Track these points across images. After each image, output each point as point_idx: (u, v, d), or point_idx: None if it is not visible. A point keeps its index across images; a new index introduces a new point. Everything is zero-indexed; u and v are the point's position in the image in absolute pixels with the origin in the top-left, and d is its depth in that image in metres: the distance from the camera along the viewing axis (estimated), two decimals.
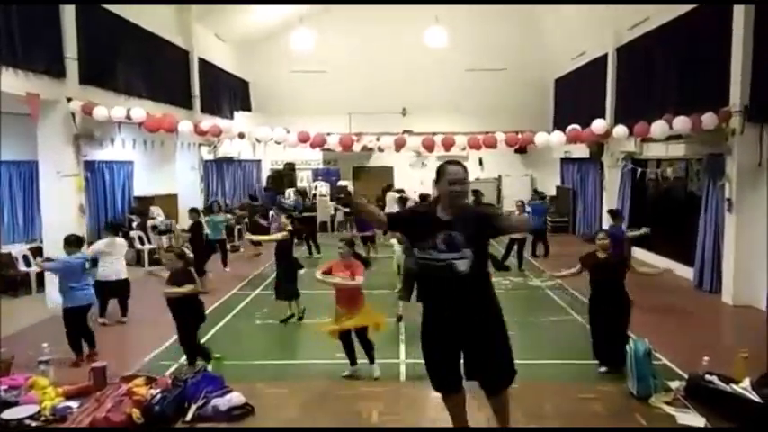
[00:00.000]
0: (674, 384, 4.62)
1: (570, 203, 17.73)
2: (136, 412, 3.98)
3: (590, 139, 12.15)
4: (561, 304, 9.43)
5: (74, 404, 4.24)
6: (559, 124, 13.97)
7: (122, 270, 8.45)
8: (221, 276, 11.14)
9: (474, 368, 3.56)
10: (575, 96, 16.50)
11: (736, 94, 8.91)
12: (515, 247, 12.24)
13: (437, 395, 4.72)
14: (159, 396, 4.14)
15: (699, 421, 4.05)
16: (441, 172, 3.54)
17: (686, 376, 4.74)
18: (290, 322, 8.44)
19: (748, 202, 8.98)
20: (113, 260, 8.29)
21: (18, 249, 10.62)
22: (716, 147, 9.58)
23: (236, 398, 4.23)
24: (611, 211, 10.60)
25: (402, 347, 7.27)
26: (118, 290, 8.41)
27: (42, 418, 4.08)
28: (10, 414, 4.07)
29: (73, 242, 6.79)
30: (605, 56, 14.07)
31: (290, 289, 8.52)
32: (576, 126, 11.80)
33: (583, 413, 4.26)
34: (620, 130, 10.95)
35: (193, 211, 11.20)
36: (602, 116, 13.09)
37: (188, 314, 6.07)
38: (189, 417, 4.09)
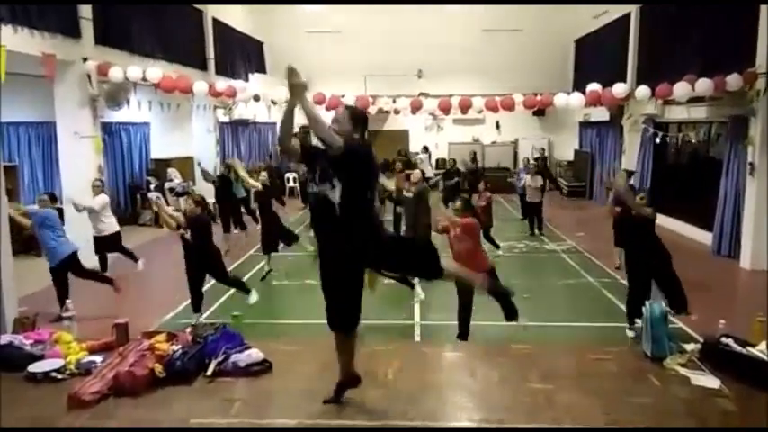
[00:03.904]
0: (689, 347, 4.62)
1: (588, 168, 17.54)
2: (158, 367, 4.08)
3: (610, 102, 11.92)
4: (576, 267, 9.42)
5: (97, 358, 4.36)
6: (579, 86, 13.69)
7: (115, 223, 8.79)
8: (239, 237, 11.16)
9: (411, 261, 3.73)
10: (595, 57, 16.13)
11: (763, 54, 8.66)
12: (533, 211, 12.16)
13: (453, 354, 4.81)
14: (180, 352, 4.24)
15: (714, 383, 4.06)
16: None
17: (702, 339, 4.73)
18: (302, 282, 8.55)
19: None
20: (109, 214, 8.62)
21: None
22: (739, 109, 9.37)
23: (255, 354, 4.31)
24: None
25: (417, 308, 7.35)
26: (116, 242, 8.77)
27: (67, 372, 4.21)
28: (36, 367, 4.20)
29: (47, 200, 7.41)
30: (628, 15, 13.68)
31: (266, 242, 8.73)
32: (597, 87, 11.57)
33: (597, 373, 4.29)
34: (643, 90, 10.70)
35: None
36: (624, 78, 12.83)
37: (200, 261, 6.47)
38: (209, 372, 4.19)
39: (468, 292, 5.65)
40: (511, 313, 5.73)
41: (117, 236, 8.72)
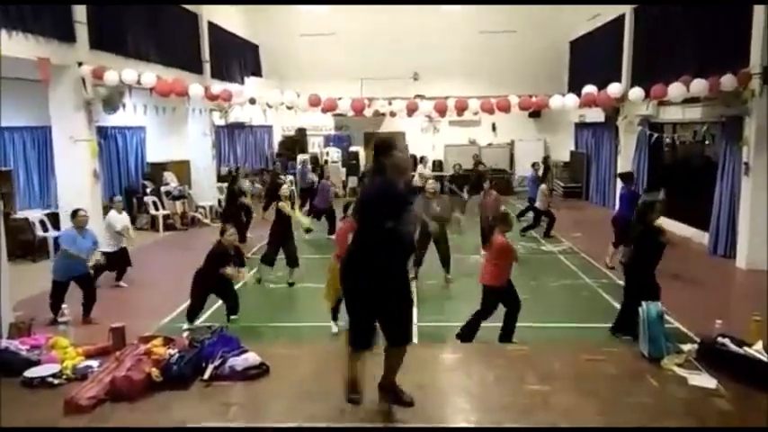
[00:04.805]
0: (686, 347, 4.63)
1: (584, 169, 17.58)
2: (155, 371, 4.06)
3: (605, 103, 11.96)
4: (573, 268, 9.44)
5: (94, 363, 4.33)
6: (574, 87, 13.73)
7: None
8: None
9: (393, 325, 3.73)
10: (590, 59, 16.18)
11: (756, 54, 8.71)
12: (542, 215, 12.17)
13: (450, 356, 4.82)
14: (177, 356, 4.22)
15: (710, 383, 4.07)
16: (390, 145, 3.86)
17: (698, 339, 4.74)
18: (299, 286, 8.54)
19: (766, 166, 8.85)
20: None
21: (35, 215, 10.73)
22: (734, 109, 9.40)
23: (252, 358, 4.30)
24: (621, 175, 10.43)
25: (415, 311, 7.32)
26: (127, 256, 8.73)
27: (64, 377, 4.18)
28: (33, 372, 4.18)
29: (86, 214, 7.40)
30: (622, 17, 13.74)
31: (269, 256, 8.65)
32: (592, 89, 11.60)
33: (594, 374, 4.30)
34: (637, 92, 10.76)
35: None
36: (618, 79, 12.87)
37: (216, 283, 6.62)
38: (206, 375, 4.17)
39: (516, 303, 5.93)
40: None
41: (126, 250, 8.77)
